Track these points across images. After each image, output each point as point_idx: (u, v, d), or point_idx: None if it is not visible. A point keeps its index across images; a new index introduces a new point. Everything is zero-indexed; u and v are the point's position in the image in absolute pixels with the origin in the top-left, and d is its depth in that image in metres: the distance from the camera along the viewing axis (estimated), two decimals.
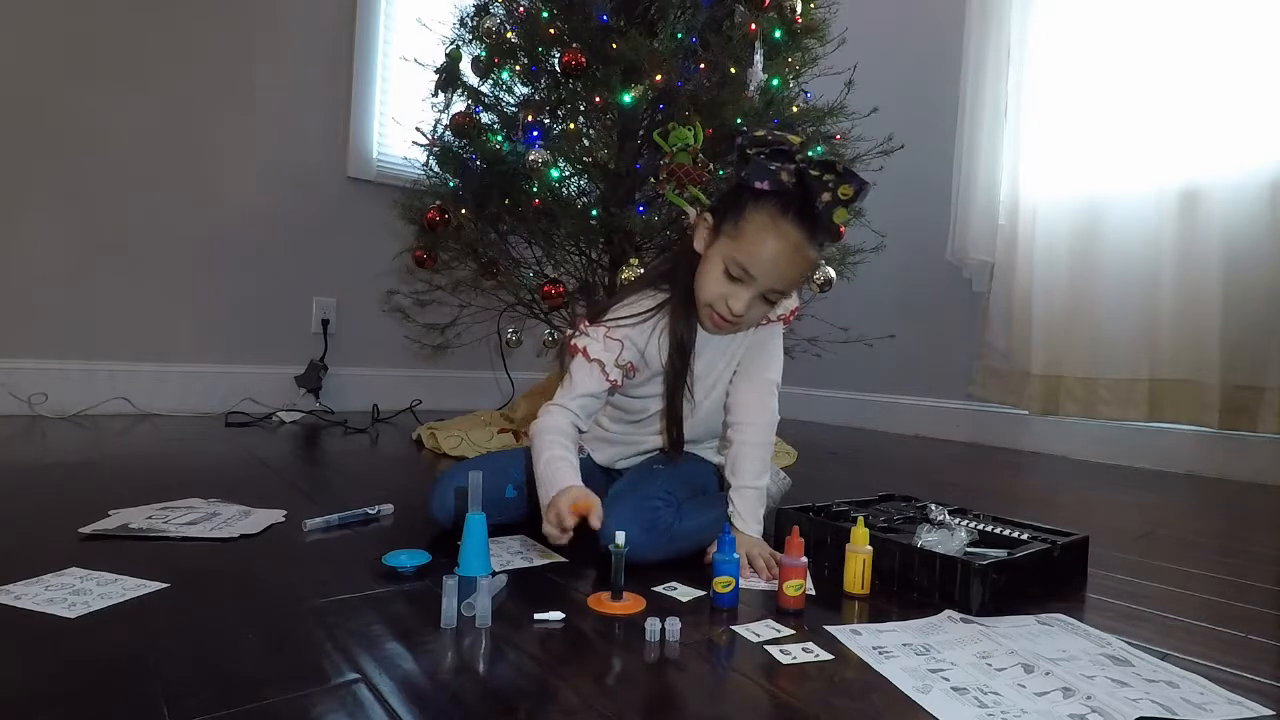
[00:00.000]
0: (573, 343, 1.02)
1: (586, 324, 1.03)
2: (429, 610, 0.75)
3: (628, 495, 0.97)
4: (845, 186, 0.89)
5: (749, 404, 1.05)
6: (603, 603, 0.81)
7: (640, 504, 0.94)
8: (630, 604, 0.80)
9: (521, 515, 1.08)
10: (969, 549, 0.94)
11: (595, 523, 0.85)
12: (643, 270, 1.65)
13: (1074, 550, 1.00)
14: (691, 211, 1.59)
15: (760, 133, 0.94)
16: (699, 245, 0.99)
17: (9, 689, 0.57)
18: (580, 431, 1.03)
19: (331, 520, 1.08)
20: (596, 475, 1.11)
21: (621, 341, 1.01)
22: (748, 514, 0.99)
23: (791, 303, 1.07)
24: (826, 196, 0.89)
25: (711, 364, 1.06)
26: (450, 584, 0.73)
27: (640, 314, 1.02)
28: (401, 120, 2.46)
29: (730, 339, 1.05)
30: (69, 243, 2.15)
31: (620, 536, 0.82)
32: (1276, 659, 0.76)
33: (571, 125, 1.74)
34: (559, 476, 0.91)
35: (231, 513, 1.11)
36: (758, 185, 0.90)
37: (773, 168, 0.90)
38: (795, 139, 0.93)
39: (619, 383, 1.02)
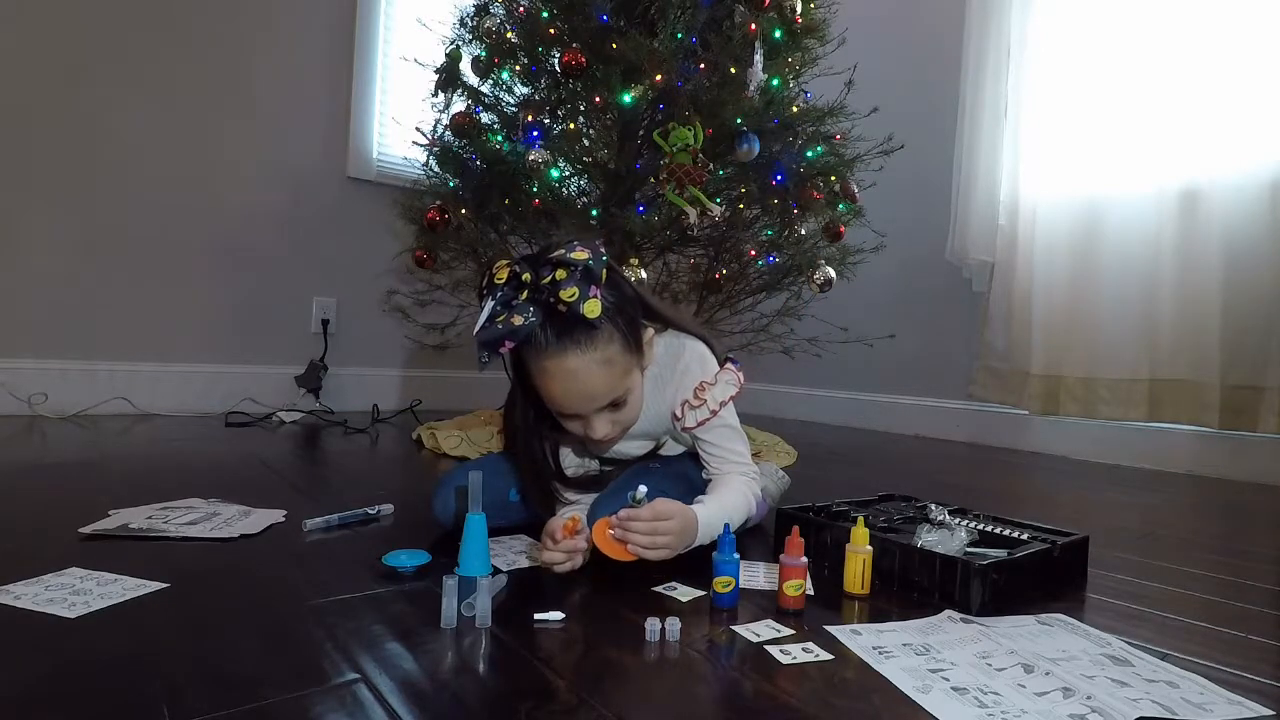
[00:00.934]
0: None
1: None
2: (429, 610, 0.75)
3: (620, 494, 0.97)
4: (564, 291, 0.81)
5: (725, 479, 1.01)
6: (604, 536, 0.83)
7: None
8: (624, 552, 0.83)
9: (524, 519, 1.08)
10: (969, 549, 0.94)
11: (584, 537, 0.88)
12: (641, 273, 1.65)
13: (1074, 550, 1.00)
14: (692, 211, 1.60)
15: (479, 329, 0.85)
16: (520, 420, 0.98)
17: (9, 689, 0.57)
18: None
19: (331, 520, 1.08)
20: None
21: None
22: (706, 510, 0.91)
23: (728, 389, 0.99)
24: (563, 308, 0.83)
25: (640, 428, 1.02)
26: (450, 584, 0.73)
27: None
28: (401, 120, 2.46)
29: (648, 407, 1.00)
30: (69, 243, 2.15)
31: (642, 489, 0.84)
32: (1276, 659, 0.76)
33: (571, 125, 1.74)
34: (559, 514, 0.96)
35: (231, 513, 1.11)
36: (502, 351, 0.85)
37: (498, 327, 0.83)
38: (500, 275, 0.85)
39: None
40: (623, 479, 1.04)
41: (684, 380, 0.99)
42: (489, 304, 0.84)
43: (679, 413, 0.99)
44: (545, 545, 0.88)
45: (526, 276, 0.84)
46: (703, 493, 0.99)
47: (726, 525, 0.86)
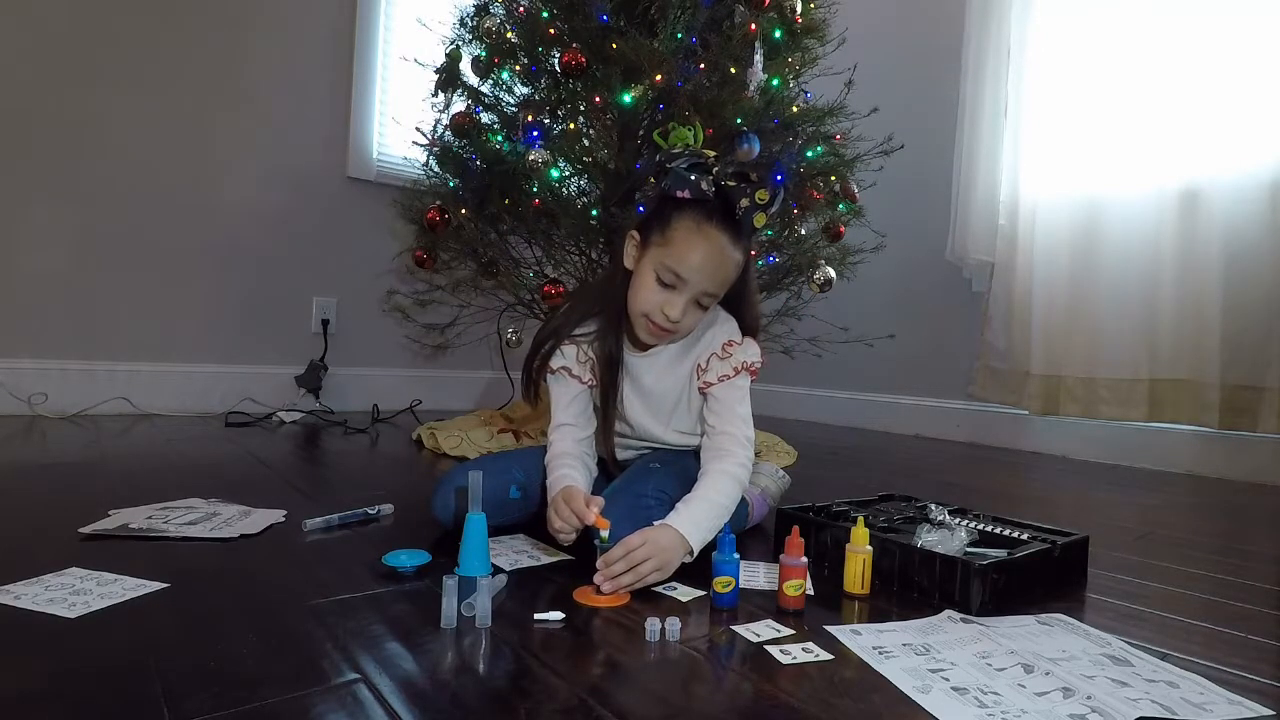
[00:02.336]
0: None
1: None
2: (429, 610, 0.75)
3: (622, 494, 0.97)
4: (761, 191, 0.94)
5: (723, 448, 1.02)
6: (588, 595, 0.82)
7: (634, 503, 0.94)
8: (615, 596, 0.81)
9: (525, 516, 1.08)
10: (969, 549, 0.94)
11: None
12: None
13: (1074, 550, 1.00)
14: None
15: (678, 149, 1.00)
16: (629, 262, 1.02)
17: (9, 689, 0.57)
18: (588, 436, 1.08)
19: (331, 520, 1.08)
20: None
21: (577, 345, 1.06)
22: (684, 516, 0.90)
23: (753, 354, 1.05)
24: (745, 202, 0.94)
25: (660, 383, 1.07)
26: (450, 584, 0.73)
27: (589, 333, 1.07)
28: (401, 120, 2.46)
29: (676, 358, 1.06)
30: (69, 243, 2.15)
31: (604, 533, 0.84)
32: (1276, 659, 0.76)
33: (571, 125, 1.73)
34: (561, 481, 0.97)
35: (231, 513, 1.11)
36: (678, 194, 0.95)
37: (692, 178, 0.94)
38: (711, 154, 0.98)
39: (591, 381, 1.07)
40: (623, 476, 1.05)
41: (715, 337, 1.06)
42: (694, 167, 0.95)
43: (704, 364, 1.04)
44: (560, 514, 0.90)
45: (732, 184, 0.95)
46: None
47: (726, 527, 0.86)
